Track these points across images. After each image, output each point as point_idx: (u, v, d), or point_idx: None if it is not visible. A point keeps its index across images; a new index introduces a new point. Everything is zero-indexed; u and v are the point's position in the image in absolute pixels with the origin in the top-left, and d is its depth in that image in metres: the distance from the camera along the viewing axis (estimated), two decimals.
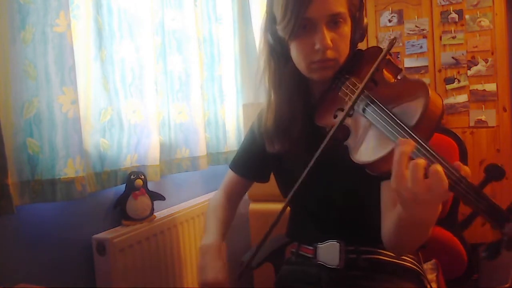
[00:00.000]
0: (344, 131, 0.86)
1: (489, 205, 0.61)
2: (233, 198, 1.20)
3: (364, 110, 0.82)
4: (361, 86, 0.82)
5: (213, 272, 0.97)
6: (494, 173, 0.63)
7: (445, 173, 0.63)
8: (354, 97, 0.82)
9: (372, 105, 0.81)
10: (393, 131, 0.73)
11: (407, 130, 0.71)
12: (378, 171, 0.74)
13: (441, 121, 0.75)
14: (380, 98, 0.81)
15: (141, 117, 1.43)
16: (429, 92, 0.74)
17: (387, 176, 0.69)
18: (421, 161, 0.64)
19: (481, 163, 2.85)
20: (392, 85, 0.87)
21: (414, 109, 0.74)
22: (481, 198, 0.62)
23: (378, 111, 0.78)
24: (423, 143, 0.67)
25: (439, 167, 0.62)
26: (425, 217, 0.74)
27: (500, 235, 0.61)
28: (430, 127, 0.73)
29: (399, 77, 0.90)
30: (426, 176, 0.64)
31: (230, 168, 1.21)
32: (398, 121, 0.73)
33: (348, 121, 0.86)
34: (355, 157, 0.80)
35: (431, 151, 0.66)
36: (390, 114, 0.76)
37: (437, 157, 0.66)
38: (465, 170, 0.64)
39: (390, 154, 0.70)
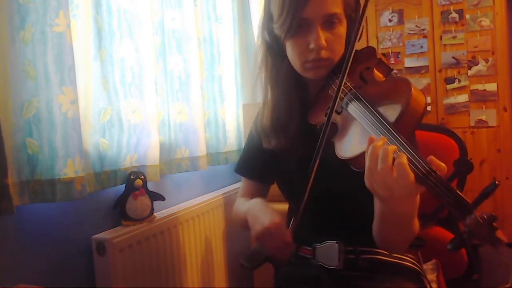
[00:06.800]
0: (333, 129, 0.88)
1: (456, 199, 0.63)
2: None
3: (349, 106, 0.85)
4: (337, 89, 0.86)
5: (267, 218, 0.92)
6: (462, 167, 0.66)
7: (415, 165, 0.66)
8: (334, 94, 0.85)
9: (357, 102, 0.84)
10: (373, 126, 0.76)
11: (385, 125, 0.74)
12: (361, 167, 0.76)
13: (423, 118, 0.78)
14: (367, 95, 0.84)
15: (140, 117, 1.42)
16: (412, 90, 0.77)
17: None
18: (391, 147, 0.68)
19: (481, 163, 2.85)
20: (380, 83, 0.89)
21: (396, 106, 0.77)
22: (449, 191, 0.64)
23: (362, 107, 0.82)
24: (398, 137, 0.71)
25: (403, 158, 0.66)
26: (402, 210, 0.77)
27: (462, 227, 0.63)
28: (411, 124, 0.77)
29: (388, 76, 0.93)
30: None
31: (242, 175, 1.20)
32: (379, 117, 0.76)
33: (337, 118, 0.89)
34: (339, 152, 0.83)
35: (405, 145, 0.69)
36: (372, 109, 0.79)
37: (410, 149, 0.69)
38: (437, 164, 0.66)
39: None
